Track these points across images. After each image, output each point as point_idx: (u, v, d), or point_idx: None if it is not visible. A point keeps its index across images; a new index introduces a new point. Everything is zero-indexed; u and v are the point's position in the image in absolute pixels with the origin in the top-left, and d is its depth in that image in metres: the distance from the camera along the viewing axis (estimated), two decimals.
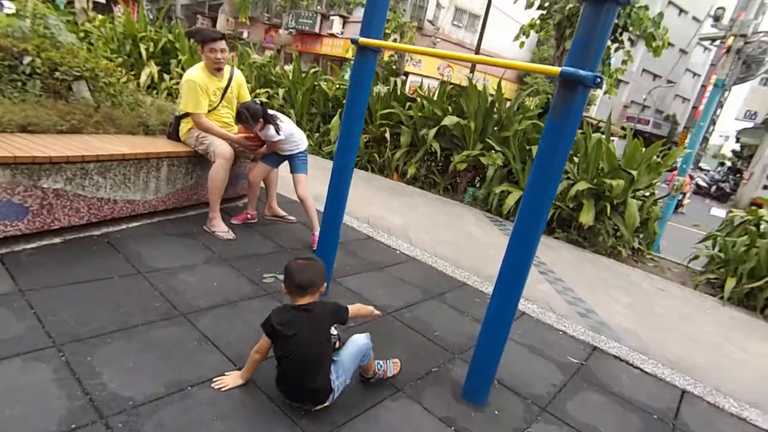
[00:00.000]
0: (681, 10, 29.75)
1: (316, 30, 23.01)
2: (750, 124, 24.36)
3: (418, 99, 7.27)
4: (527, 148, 6.11)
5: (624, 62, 9.37)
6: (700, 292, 4.92)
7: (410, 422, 1.91)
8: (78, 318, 2.06)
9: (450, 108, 6.88)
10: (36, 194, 2.49)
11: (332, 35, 22.54)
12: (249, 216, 3.78)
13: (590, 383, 2.55)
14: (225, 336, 2.18)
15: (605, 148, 5.41)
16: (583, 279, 4.38)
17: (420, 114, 6.97)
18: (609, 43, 6.48)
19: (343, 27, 22.46)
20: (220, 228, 3.36)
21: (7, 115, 2.68)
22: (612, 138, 5.94)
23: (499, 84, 6.71)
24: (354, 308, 2.04)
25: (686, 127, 32.77)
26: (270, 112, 3.33)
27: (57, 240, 2.69)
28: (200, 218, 3.54)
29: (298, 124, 6.40)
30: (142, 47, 8.25)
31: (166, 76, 8.26)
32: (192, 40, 8.87)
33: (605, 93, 6.57)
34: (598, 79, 1.62)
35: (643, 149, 5.50)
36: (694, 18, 29.28)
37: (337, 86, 8.32)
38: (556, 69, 1.65)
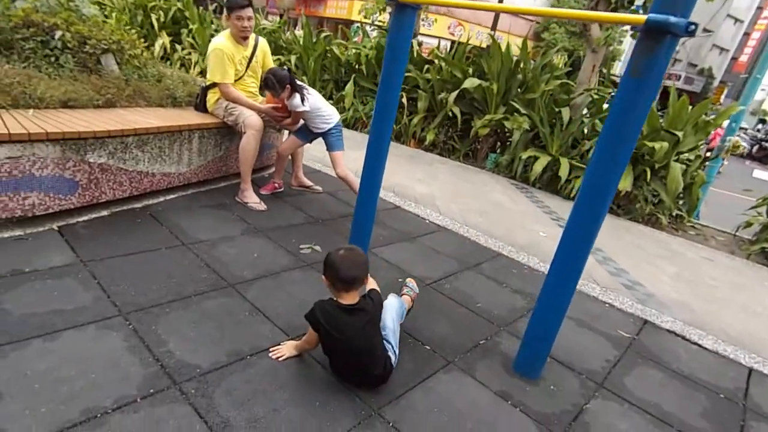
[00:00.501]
0: None
1: None
2: None
3: (436, 61, 7.06)
4: (556, 110, 5.94)
5: (646, 5, 8.17)
6: (752, 262, 4.69)
7: (465, 395, 1.95)
8: (137, 288, 2.14)
9: (470, 70, 6.69)
10: (84, 169, 2.53)
11: None
12: (276, 185, 3.81)
13: (645, 359, 2.50)
14: (273, 307, 2.25)
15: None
16: (623, 248, 4.29)
17: (438, 77, 6.78)
18: None
19: None
20: (252, 199, 3.40)
21: (49, 91, 2.70)
22: None
23: (524, 42, 6.42)
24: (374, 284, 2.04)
25: (722, 81, 30.49)
26: (298, 82, 3.28)
27: (105, 213, 2.76)
28: (231, 189, 3.58)
29: None
30: (153, 17, 8.11)
31: (178, 47, 8.14)
32: (201, 8, 8.68)
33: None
34: (692, 27, 1.44)
35: (690, 108, 5.18)
36: None
37: (351, 50, 8.11)
38: (641, 17, 1.49)
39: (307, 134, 3.57)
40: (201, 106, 3.58)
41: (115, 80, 3.22)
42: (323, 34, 8.58)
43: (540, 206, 5.19)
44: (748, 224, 5.20)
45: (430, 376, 2.01)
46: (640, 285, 3.54)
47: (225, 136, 3.55)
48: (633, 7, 6.17)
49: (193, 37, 8.10)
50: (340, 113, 7.59)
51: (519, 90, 6.37)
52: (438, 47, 7.52)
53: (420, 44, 8.06)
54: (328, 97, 8.09)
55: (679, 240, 5.00)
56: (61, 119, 2.53)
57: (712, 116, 5.47)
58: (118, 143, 2.67)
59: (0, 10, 3.18)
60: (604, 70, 7.32)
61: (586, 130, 5.90)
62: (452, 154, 6.92)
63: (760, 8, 29.37)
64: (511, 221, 4.42)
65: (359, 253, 1.79)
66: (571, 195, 5.52)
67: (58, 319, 1.82)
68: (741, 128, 24.21)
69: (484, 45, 7.46)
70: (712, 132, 7.68)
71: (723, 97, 27.09)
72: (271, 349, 1.93)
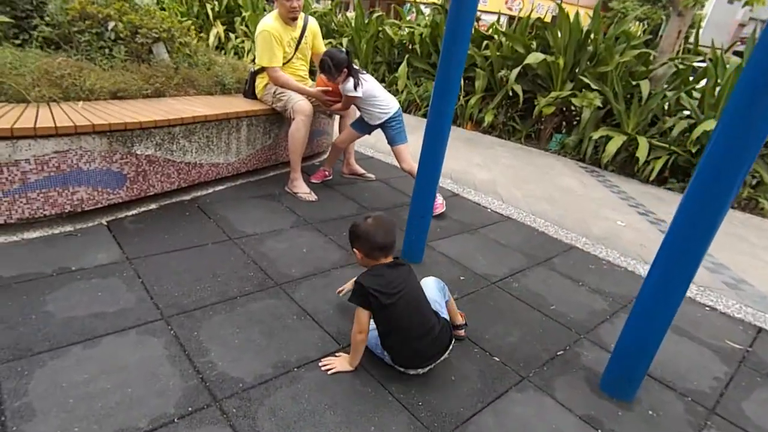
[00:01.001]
0: None
1: None
2: None
3: (496, 36, 6.54)
4: (633, 84, 5.27)
5: None
6: None
7: (545, 419, 1.65)
8: (180, 288, 2.02)
9: (533, 44, 6.11)
10: (131, 161, 2.46)
11: None
12: (326, 173, 3.62)
13: (766, 377, 2.08)
14: (323, 310, 2.05)
15: None
16: (719, 239, 3.62)
17: (498, 54, 6.26)
18: None
19: None
20: (302, 189, 3.23)
21: (99, 83, 2.66)
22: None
23: (596, 9, 5.76)
24: None
25: None
26: (355, 67, 3.03)
27: (153, 206, 2.69)
28: (280, 179, 3.44)
29: None
30: (209, 7, 8.17)
31: (232, 35, 8.17)
32: None
33: (746, 4, 5.32)
34: None
35: None
36: None
37: (404, 30, 7.74)
38: None
39: (364, 126, 3.29)
40: (250, 93, 3.43)
41: (165, 69, 3.14)
42: (376, 14, 8.26)
43: (615, 191, 4.64)
44: None
45: (502, 395, 1.73)
46: (746, 284, 3.00)
47: (274, 123, 3.39)
48: None
49: (246, 25, 8.09)
50: (393, 96, 7.34)
51: (589, 63, 5.73)
52: (498, 22, 6.97)
53: (478, 20, 7.55)
54: (381, 80, 7.79)
55: None
56: (109, 110, 2.46)
57: None
58: (165, 134, 2.57)
59: (58, 4, 3.20)
60: (690, 38, 6.41)
61: (667, 105, 5.20)
62: (512, 135, 6.42)
63: None
64: (584, 209, 3.95)
65: (387, 218, 1.75)
66: (650, 178, 4.91)
67: (99, 322, 1.73)
68: None
69: (548, 18, 6.78)
70: None
71: None
72: (322, 360, 1.73)
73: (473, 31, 6.76)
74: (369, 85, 3.07)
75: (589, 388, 1.84)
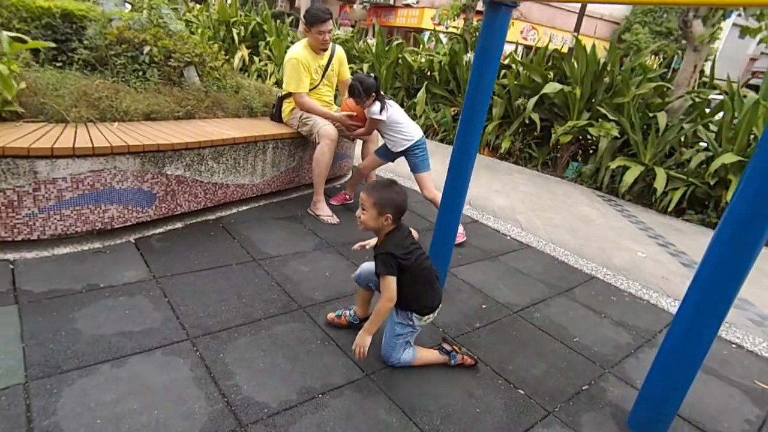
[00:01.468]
0: None
1: (391, 2, 22.49)
2: None
3: (514, 66, 6.65)
4: (649, 115, 5.29)
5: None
6: None
7: None
8: (206, 308, 2.03)
9: (551, 74, 6.20)
10: (162, 181, 2.52)
11: (407, 5, 21.91)
12: (347, 197, 3.65)
13: None
14: (346, 334, 2.03)
15: (763, 111, 4.44)
16: None
17: (516, 82, 6.36)
18: None
19: None
20: (324, 212, 3.26)
21: (134, 105, 2.75)
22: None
23: (612, 43, 5.87)
24: None
25: None
26: (382, 93, 3.10)
27: (179, 225, 2.73)
28: (303, 200, 3.47)
29: None
30: (234, 32, 8.46)
31: (256, 59, 8.42)
32: (278, 21, 8.95)
33: (761, 41, 5.39)
34: None
35: None
36: None
37: (423, 57, 7.91)
38: None
39: (388, 153, 3.33)
40: (276, 116, 3.52)
41: (196, 92, 3.24)
42: (396, 42, 8.48)
43: (633, 221, 4.59)
44: None
45: (528, 431, 1.69)
46: None
47: (299, 146, 3.45)
48: None
49: (270, 49, 8.35)
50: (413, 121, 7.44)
51: (605, 94, 5.79)
52: (516, 51, 7.09)
53: None
54: (400, 105, 7.91)
55: None
56: (142, 131, 2.54)
57: None
58: (195, 155, 2.64)
59: (98, 29, 3.35)
60: (706, 70, 6.45)
61: (684, 137, 5.20)
62: (529, 162, 6.44)
63: None
64: (603, 239, 3.91)
65: (389, 180, 1.87)
66: (669, 209, 4.87)
67: (126, 341, 1.74)
68: None
69: (564, 49, 6.90)
70: None
71: None
72: (355, 353, 1.73)
73: None
74: (393, 111, 3.13)
75: (617, 426, 1.78)
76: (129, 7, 4.70)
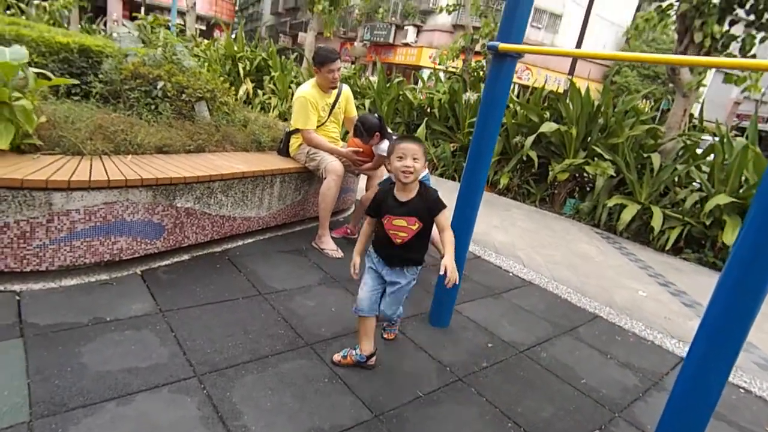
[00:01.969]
0: None
1: (390, 40, 23.33)
2: None
3: (511, 105, 6.87)
4: (644, 155, 5.45)
5: (745, 48, 6.93)
6: None
7: None
8: (213, 344, 2.01)
9: (547, 114, 6.41)
10: (171, 213, 2.54)
11: (406, 44, 22.76)
12: (349, 231, 3.68)
13: None
14: (354, 373, 2.02)
15: (752, 155, 4.62)
16: None
17: (513, 121, 6.56)
18: (754, 31, 5.57)
19: (417, 36, 22.58)
20: (329, 246, 3.27)
21: (147, 138, 2.80)
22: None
23: (605, 86, 6.12)
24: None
25: None
26: (388, 130, 3.20)
27: (186, 257, 2.73)
28: (307, 234, 3.50)
29: None
30: (240, 66, 8.72)
31: (260, 92, 8.64)
32: (282, 57, 9.24)
33: (745, 90, 5.65)
34: None
35: None
36: None
37: (423, 94, 8.16)
38: None
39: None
40: (284, 151, 3.59)
41: (206, 126, 3.32)
42: (397, 80, 8.76)
43: (632, 259, 4.63)
44: None
45: None
46: None
47: (305, 181, 3.51)
48: (728, 51, 5.68)
49: (274, 84, 8.58)
50: None
51: (600, 134, 5.99)
52: (513, 91, 7.34)
53: None
54: None
55: None
56: (155, 164, 2.58)
57: None
58: (205, 188, 2.68)
59: (113, 64, 3.45)
60: (695, 113, 6.71)
61: (677, 178, 5.36)
62: (527, 198, 6.55)
63: None
64: (604, 277, 3.94)
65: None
66: (666, 248, 4.94)
67: (133, 378, 1.72)
68: None
69: (559, 90, 7.17)
70: None
71: None
72: (451, 282, 1.72)
73: None
74: None
75: None
76: (128, 28, 4.87)
